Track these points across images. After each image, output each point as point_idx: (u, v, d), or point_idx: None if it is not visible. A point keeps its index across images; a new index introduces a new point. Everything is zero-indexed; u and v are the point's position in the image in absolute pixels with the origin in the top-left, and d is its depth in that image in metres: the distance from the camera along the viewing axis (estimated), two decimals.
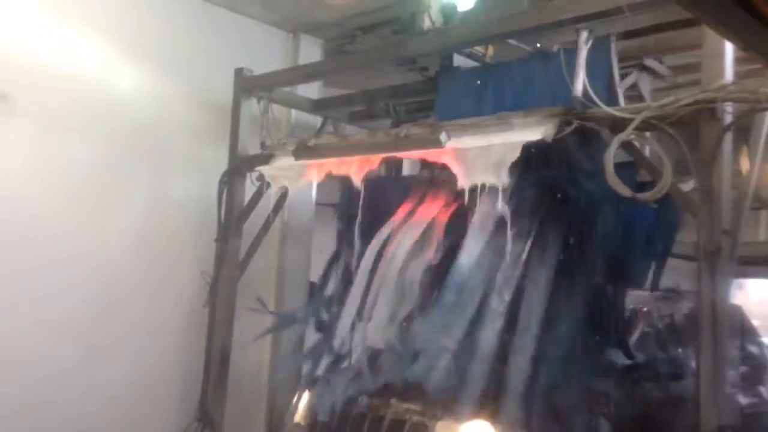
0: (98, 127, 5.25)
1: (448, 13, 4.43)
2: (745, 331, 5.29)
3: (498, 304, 4.14)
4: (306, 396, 4.66)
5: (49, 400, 4.87)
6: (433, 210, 4.70)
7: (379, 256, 4.68)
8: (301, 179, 4.98)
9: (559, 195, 4.35)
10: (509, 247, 4.01)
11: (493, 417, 3.88)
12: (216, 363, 5.49)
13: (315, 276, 6.51)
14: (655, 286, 4.84)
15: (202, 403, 5.47)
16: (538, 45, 4.84)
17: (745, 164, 3.50)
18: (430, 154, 4.33)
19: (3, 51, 4.75)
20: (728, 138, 3.44)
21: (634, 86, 4.23)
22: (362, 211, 4.69)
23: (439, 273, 4.45)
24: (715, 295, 3.36)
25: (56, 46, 5.02)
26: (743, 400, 4.22)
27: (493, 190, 3.92)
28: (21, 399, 4.72)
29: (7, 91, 4.73)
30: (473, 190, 3.98)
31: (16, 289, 4.75)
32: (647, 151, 3.86)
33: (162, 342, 5.61)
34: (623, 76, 4.19)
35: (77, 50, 5.13)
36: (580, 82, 3.79)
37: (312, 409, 4.49)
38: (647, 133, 3.62)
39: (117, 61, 5.36)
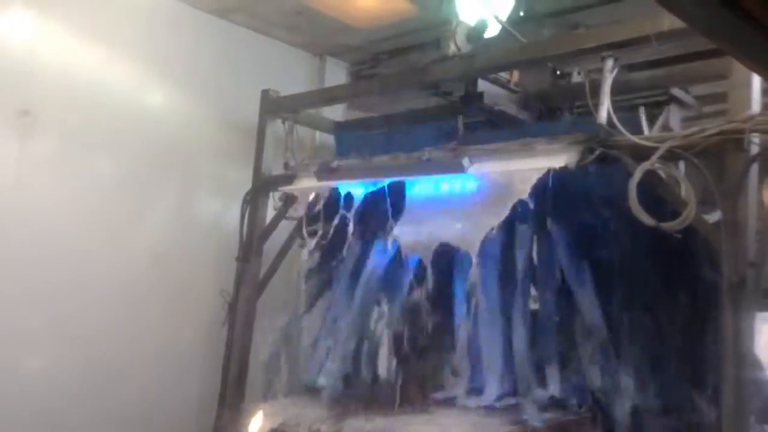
0: (123, 145, 5.33)
1: (474, 39, 4.45)
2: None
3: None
4: (258, 418, 4.51)
5: (65, 416, 4.89)
6: None
7: None
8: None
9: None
10: None
11: None
12: (233, 381, 5.48)
13: None
14: None
15: (218, 421, 5.46)
16: (558, 72, 4.84)
17: (766, 196, 3.46)
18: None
19: (28, 69, 4.83)
20: (754, 169, 3.40)
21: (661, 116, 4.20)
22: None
23: None
24: (739, 329, 3.30)
25: (82, 66, 5.11)
26: None
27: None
28: (38, 414, 4.75)
29: (29, 108, 4.79)
30: None
31: (34, 305, 4.80)
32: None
33: (179, 359, 5.63)
34: (650, 106, 4.17)
35: (104, 70, 5.23)
36: (605, 110, 3.79)
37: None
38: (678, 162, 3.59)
39: (143, 82, 5.46)
